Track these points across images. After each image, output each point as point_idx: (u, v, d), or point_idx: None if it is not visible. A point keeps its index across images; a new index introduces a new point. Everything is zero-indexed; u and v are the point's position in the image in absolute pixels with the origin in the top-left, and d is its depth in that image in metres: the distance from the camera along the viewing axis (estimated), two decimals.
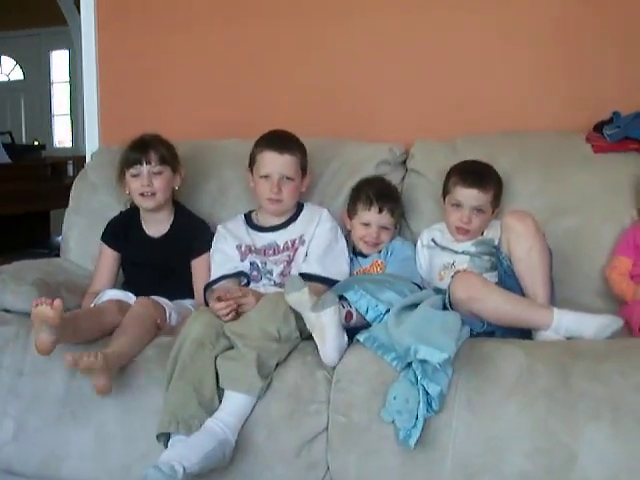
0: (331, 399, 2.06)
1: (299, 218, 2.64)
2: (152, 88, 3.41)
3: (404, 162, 2.90)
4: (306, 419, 2.07)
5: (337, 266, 2.54)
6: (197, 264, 2.67)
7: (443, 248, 2.60)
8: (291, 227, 2.62)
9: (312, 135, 2.72)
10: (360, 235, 2.61)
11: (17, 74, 9.93)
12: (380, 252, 2.60)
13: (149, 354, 2.27)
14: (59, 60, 9.68)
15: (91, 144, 3.50)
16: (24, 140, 9.29)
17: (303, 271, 2.48)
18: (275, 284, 2.53)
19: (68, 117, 9.73)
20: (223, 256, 2.61)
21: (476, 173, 2.56)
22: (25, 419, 2.29)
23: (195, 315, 2.27)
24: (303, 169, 2.63)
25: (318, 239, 2.57)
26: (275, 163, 2.56)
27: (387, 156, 2.86)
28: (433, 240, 2.64)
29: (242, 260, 2.58)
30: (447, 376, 1.93)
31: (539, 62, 2.98)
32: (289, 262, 2.56)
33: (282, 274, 2.54)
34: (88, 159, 3.32)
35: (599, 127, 2.75)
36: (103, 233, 2.76)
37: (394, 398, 1.94)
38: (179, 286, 2.65)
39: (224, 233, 2.65)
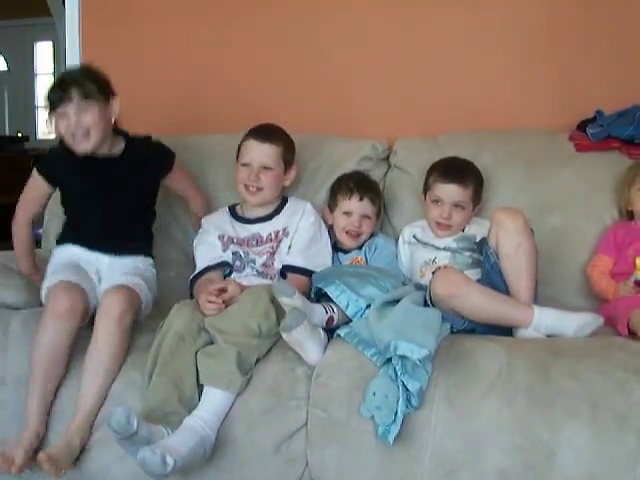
0: (311, 394, 2.06)
1: (283, 210, 2.62)
2: (137, 81, 3.39)
3: (387, 158, 2.90)
4: (286, 415, 2.07)
5: (320, 258, 2.54)
6: (174, 177, 2.64)
7: (425, 244, 2.60)
8: (275, 219, 2.60)
9: (295, 131, 2.70)
10: (342, 225, 2.61)
11: (1, 65, 9.86)
12: (361, 248, 2.60)
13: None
14: (43, 51, 9.61)
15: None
16: (7, 132, 9.23)
17: (286, 263, 2.50)
18: (258, 273, 2.52)
19: None
20: (206, 247, 2.60)
21: (456, 169, 2.57)
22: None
23: (177, 308, 2.23)
24: (287, 162, 2.61)
25: (302, 232, 2.56)
26: (256, 151, 2.56)
27: (369, 152, 2.86)
28: (414, 236, 2.64)
29: (224, 250, 2.57)
30: (427, 372, 1.93)
31: (524, 60, 2.98)
32: (272, 253, 2.54)
33: (265, 265, 2.54)
34: None
35: (583, 126, 2.76)
36: (38, 161, 2.59)
37: (373, 394, 1.94)
38: (131, 233, 2.53)
39: (207, 226, 2.64)
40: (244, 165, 2.57)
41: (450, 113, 3.02)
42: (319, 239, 2.60)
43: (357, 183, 2.64)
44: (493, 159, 2.72)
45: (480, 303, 2.18)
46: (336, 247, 2.64)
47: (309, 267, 2.48)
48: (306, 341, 2.07)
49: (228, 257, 2.57)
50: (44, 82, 9.64)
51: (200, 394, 2.10)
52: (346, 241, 2.62)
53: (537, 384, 1.91)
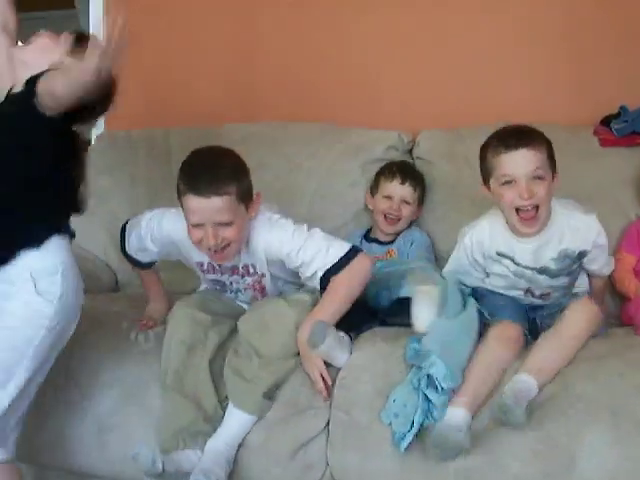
0: (334, 395, 2.05)
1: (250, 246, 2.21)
2: (158, 72, 3.40)
3: (410, 151, 2.90)
4: (303, 422, 2.06)
5: (328, 249, 2.14)
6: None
7: (516, 274, 2.13)
8: (244, 254, 2.22)
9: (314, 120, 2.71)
10: (382, 209, 2.63)
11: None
12: (394, 241, 2.61)
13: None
14: None
15: (96, 128, 3.48)
16: None
17: (313, 282, 2.16)
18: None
19: None
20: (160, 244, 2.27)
21: (517, 132, 2.05)
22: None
23: (176, 312, 2.18)
24: (246, 199, 2.10)
25: (289, 258, 2.15)
26: (203, 210, 2.03)
27: (396, 142, 2.88)
28: (499, 253, 2.14)
29: (203, 274, 2.31)
30: (446, 393, 1.90)
31: (547, 55, 2.96)
32: (259, 290, 2.28)
33: (254, 298, 2.32)
34: (93, 143, 3.32)
35: (607, 121, 2.74)
36: None
37: (393, 401, 1.93)
38: None
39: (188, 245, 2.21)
40: (195, 226, 2.08)
41: (472, 109, 3.01)
42: (293, 235, 2.15)
43: (400, 168, 2.69)
44: None
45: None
46: (369, 238, 2.65)
47: (329, 264, 2.12)
48: (333, 351, 2.05)
49: (207, 282, 2.36)
50: None
51: (222, 405, 2.10)
52: (383, 226, 2.64)
53: (557, 390, 1.89)
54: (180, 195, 2.08)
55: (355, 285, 2.12)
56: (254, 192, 2.14)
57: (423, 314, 2.02)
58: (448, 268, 2.27)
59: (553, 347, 1.92)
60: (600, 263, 2.24)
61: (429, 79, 3.10)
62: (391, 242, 2.64)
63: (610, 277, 2.44)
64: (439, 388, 1.87)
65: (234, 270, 2.24)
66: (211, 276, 2.29)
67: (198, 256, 2.23)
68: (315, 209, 2.81)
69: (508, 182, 2.01)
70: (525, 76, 2.98)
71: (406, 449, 1.89)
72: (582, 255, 2.13)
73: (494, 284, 2.21)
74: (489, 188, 2.09)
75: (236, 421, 2.07)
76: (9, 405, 1.76)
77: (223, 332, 2.18)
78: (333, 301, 2.10)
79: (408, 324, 2.07)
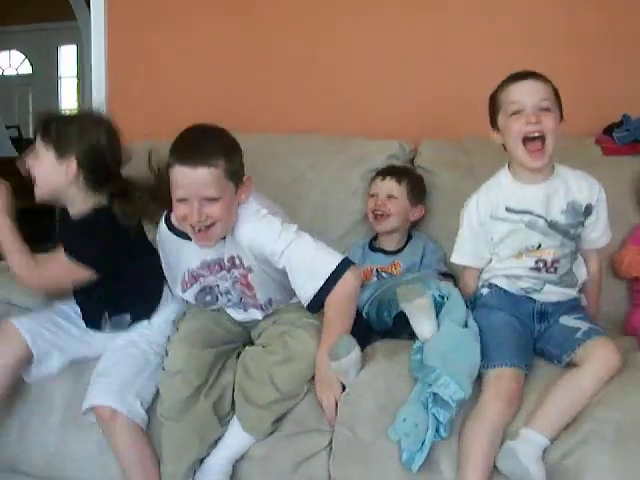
0: (339, 411, 2.04)
1: (227, 236, 2.14)
2: (160, 84, 3.40)
3: (412, 160, 2.90)
4: (307, 439, 2.06)
5: (317, 260, 2.09)
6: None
7: (529, 224, 2.09)
8: (228, 242, 2.13)
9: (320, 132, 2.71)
10: (370, 208, 2.63)
11: (26, 68, 9.93)
12: (401, 250, 2.60)
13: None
14: (67, 55, 9.68)
15: None
16: (31, 134, 9.27)
17: (308, 300, 2.09)
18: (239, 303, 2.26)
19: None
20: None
21: (523, 70, 2.12)
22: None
23: (178, 350, 2.14)
24: (236, 178, 2.06)
25: (274, 258, 2.08)
26: (190, 181, 1.98)
27: (397, 151, 2.87)
28: (509, 209, 2.13)
29: (184, 290, 2.24)
30: (453, 407, 1.89)
31: (550, 65, 2.93)
32: (246, 286, 2.18)
33: (242, 301, 2.24)
34: None
35: (609, 130, 2.75)
36: None
37: (404, 420, 1.90)
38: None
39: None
40: (180, 201, 2.01)
41: (473, 117, 2.99)
42: (279, 236, 2.06)
43: (384, 168, 2.70)
44: None
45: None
46: (374, 247, 2.65)
47: (322, 281, 2.05)
48: (352, 368, 2.03)
49: (190, 300, 2.27)
50: (68, 85, 9.73)
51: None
52: (374, 225, 2.63)
53: None
54: (168, 170, 2.02)
55: (352, 304, 2.11)
56: (245, 176, 2.08)
57: (423, 326, 2.01)
58: (456, 255, 2.24)
59: (572, 401, 1.86)
60: (600, 228, 2.19)
61: (430, 89, 3.10)
62: (397, 251, 2.62)
63: (615, 263, 2.48)
64: (450, 403, 1.86)
65: (220, 265, 2.15)
66: (197, 287, 2.21)
67: (187, 262, 2.18)
68: (318, 219, 2.80)
69: (516, 112, 2.05)
70: None
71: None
72: (588, 210, 2.13)
73: (503, 256, 2.15)
74: (497, 130, 2.13)
75: (240, 440, 2.07)
76: None
77: (227, 366, 2.17)
78: (343, 324, 2.08)
79: (413, 335, 2.06)
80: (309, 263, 2.06)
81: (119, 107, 3.44)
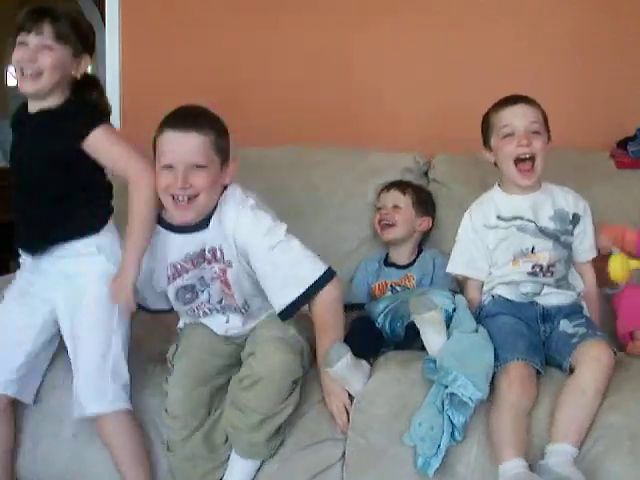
0: (350, 419, 2.05)
1: (211, 222, 2.10)
2: (174, 100, 3.41)
3: (426, 173, 2.90)
4: (321, 451, 2.07)
5: (300, 267, 2.07)
6: (92, 145, 2.06)
7: (520, 228, 2.22)
8: (203, 232, 2.10)
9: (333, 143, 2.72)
10: (377, 220, 2.66)
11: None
12: (413, 264, 2.61)
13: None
14: None
15: None
16: None
17: (282, 307, 2.06)
18: (219, 307, 2.19)
19: None
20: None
21: (514, 94, 2.28)
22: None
23: (174, 391, 2.10)
24: (222, 153, 2.07)
25: (256, 254, 2.06)
26: (178, 147, 2.01)
27: (412, 164, 2.87)
28: (500, 217, 2.27)
29: (169, 284, 2.18)
30: (472, 407, 1.91)
31: (564, 78, 2.98)
32: (224, 283, 2.13)
33: (221, 302, 2.17)
34: None
35: (623, 143, 2.76)
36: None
37: (419, 424, 1.92)
38: (62, 213, 2.11)
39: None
40: (165, 168, 2.02)
41: None
42: (279, 246, 2.05)
43: (389, 183, 2.72)
44: None
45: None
46: (387, 262, 2.66)
47: (303, 289, 2.05)
48: (349, 374, 2.03)
49: (171, 297, 2.21)
50: None
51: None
52: (380, 234, 2.66)
53: None
54: (155, 139, 2.05)
55: (339, 311, 2.12)
56: (231, 158, 2.09)
57: (434, 339, 2.02)
58: (451, 265, 2.35)
59: (580, 405, 1.88)
60: (589, 240, 2.31)
61: (444, 102, 3.11)
62: (409, 265, 2.63)
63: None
64: (469, 404, 1.88)
65: (202, 256, 2.10)
66: (180, 282, 2.16)
67: (172, 255, 2.14)
68: (332, 231, 2.81)
69: (508, 135, 2.22)
70: (542, 100, 2.98)
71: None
72: (576, 219, 2.27)
73: (501, 263, 2.22)
74: (490, 149, 2.29)
75: (242, 466, 2.07)
76: None
77: (222, 398, 2.16)
78: (335, 330, 2.09)
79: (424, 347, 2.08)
80: (293, 268, 2.05)
81: (133, 122, 3.46)
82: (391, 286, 2.58)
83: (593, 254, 2.33)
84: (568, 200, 2.29)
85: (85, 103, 2.15)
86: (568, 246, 2.25)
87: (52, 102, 2.10)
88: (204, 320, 2.21)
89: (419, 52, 3.13)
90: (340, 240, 2.77)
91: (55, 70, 2.06)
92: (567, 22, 2.97)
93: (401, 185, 2.70)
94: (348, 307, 2.39)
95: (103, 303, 2.10)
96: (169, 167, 1.99)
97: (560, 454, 1.83)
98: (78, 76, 2.13)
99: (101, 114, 2.14)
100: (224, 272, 2.10)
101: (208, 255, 2.10)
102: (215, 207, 2.08)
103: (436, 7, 3.11)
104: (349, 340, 2.10)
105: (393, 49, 3.16)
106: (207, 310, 2.19)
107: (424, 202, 2.70)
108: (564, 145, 2.83)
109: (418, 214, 2.67)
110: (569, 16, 2.97)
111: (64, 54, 2.08)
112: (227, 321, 2.20)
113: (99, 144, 2.06)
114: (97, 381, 2.09)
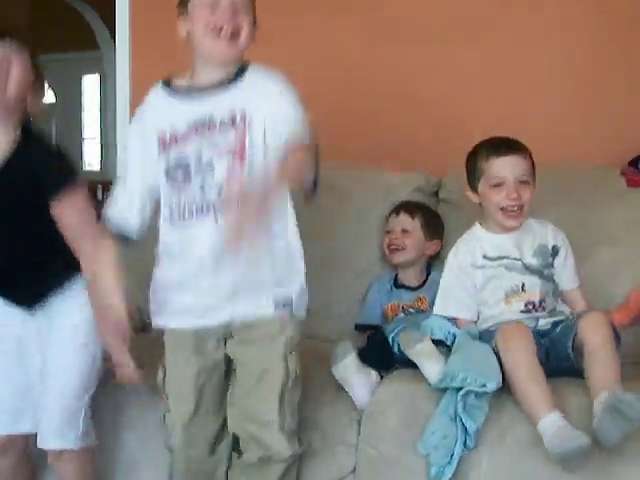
0: (361, 431, 2.05)
1: (244, 79, 1.87)
2: None
3: (436, 193, 2.90)
4: (333, 460, 2.07)
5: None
6: (60, 209, 1.94)
7: (508, 267, 2.24)
8: (231, 91, 1.85)
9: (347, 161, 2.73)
10: (386, 244, 2.65)
11: (49, 98, 10.06)
12: (423, 285, 2.61)
13: None
14: (90, 84, 9.80)
15: (122, 169, 3.50)
16: None
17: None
18: (214, 209, 1.82)
19: (97, 141, 9.85)
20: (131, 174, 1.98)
21: (505, 141, 2.28)
22: None
23: (169, 423, 1.97)
24: (252, 12, 1.89)
25: (279, 109, 1.82)
26: None
27: (423, 184, 2.87)
28: (486, 257, 2.27)
29: (159, 154, 1.88)
30: (484, 414, 1.91)
31: (577, 94, 2.99)
32: (239, 155, 1.80)
33: (227, 183, 1.80)
34: None
35: (635, 162, 2.75)
36: None
37: (432, 433, 1.92)
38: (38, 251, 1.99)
39: (139, 120, 1.95)
40: (209, 6, 1.85)
41: None
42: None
43: (398, 205, 2.70)
44: (541, 193, 2.69)
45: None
46: (398, 284, 2.65)
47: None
48: (352, 377, 2.05)
49: (160, 173, 1.87)
50: (91, 114, 9.85)
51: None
52: (389, 257, 2.65)
53: (589, 425, 1.86)
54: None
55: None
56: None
57: (431, 368, 2.04)
58: (437, 307, 2.32)
59: (609, 355, 1.94)
60: (570, 268, 2.33)
61: (455, 120, 3.12)
62: (419, 287, 2.62)
63: None
64: (487, 392, 1.90)
65: (213, 124, 1.83)
66: (175, 153, 1.86)
67: (173, 122, 1.87)
68: (345, 250, 2.80)
69: (498, 185, 2.21)
70: (554, 118, 3.00)
71: None
72: (555, 250, 2.29)
73: (492, 302, 2.24)
74: (475, 191, 2.29)
75: None
76: None
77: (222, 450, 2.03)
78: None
79: None
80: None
81: None
82: (403, 308, 2.58)
83: (578, 282, 2.35)
84: (547, 234, 2.32)
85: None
86: (551, 279, 2.28)
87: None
88: (189, 231, 1.86)
89: (433, 74, 3.17)
90: (351, 259, 2.77)
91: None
92: (582, 39, 2.99)
93: (410, 208, 2.68)
94: (364, 328, 2.40)
95: (83, 330, 2.01)
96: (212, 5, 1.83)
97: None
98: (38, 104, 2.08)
99: None
100: (242, 139, 1.81)
101: (226, 121, 1.82)
102: (243, 69, 1.88)
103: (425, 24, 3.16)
104: (363, 351, 2.13)
105: (402, 71, 3.18)
106: (194, 210, 1.85)
107: (433, 225, 2.70)
108: (576, 161, 2.85)
109: (427, 237, 2.67)
110: (584, 33, 2.99)
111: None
112: (216, 222, 1.83)
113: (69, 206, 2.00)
114: (68, 417, 2.01)
